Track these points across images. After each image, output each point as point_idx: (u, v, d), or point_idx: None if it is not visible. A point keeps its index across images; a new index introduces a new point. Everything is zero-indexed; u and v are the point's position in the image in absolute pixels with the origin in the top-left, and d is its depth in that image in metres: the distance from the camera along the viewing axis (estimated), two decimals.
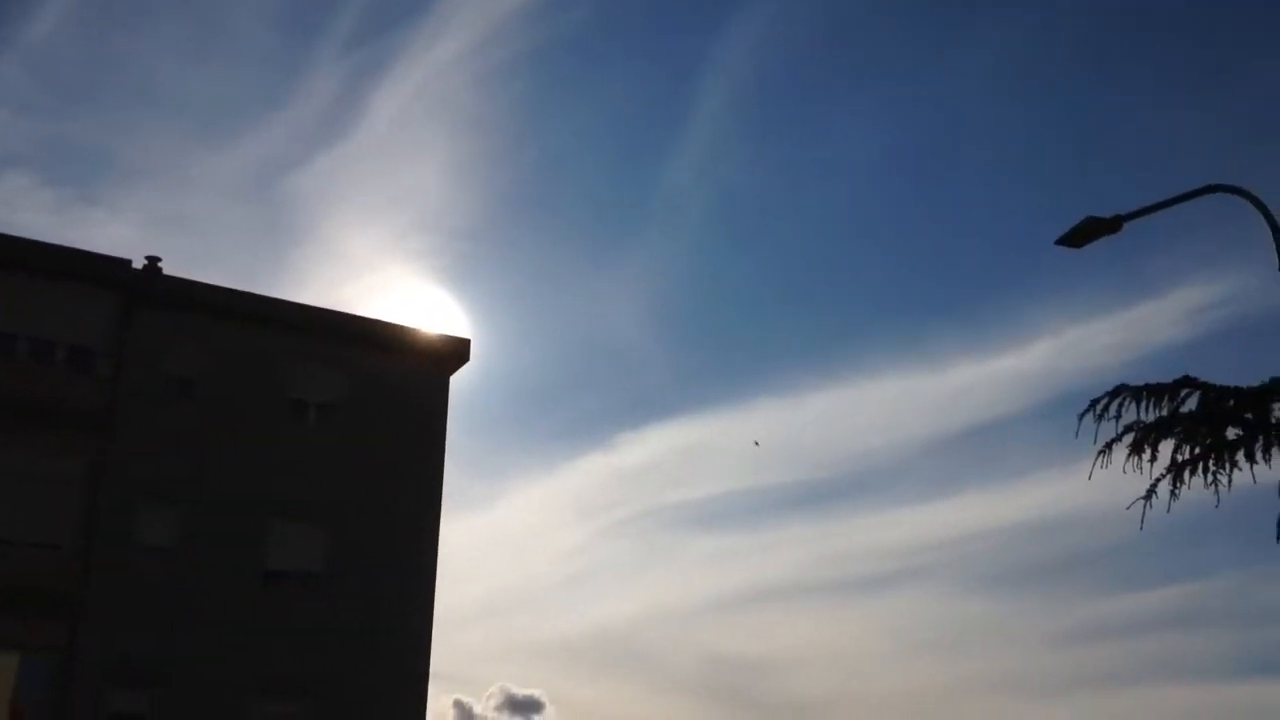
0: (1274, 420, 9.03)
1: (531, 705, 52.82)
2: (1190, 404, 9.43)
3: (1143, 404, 9.53)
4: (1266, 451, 9.10)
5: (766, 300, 79.43)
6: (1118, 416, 9.66)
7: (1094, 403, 9.71)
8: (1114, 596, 62.01)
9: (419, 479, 27.00)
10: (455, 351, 28.28)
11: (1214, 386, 9.19)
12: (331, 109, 70.51)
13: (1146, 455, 9.46)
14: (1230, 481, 9.20)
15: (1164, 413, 9.43)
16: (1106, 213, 13.27)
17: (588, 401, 76.70)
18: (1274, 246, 11.21)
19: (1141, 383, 9.46)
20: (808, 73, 76.03)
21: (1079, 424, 9.74)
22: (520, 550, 69.65)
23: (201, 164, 69.49)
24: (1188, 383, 9.24)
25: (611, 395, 76.44)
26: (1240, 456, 9.09)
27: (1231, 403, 9.12)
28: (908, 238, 76.16)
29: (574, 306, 76.93)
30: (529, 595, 65.16)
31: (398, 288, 66.18)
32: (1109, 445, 9.71)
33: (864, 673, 60.77)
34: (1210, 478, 9.32)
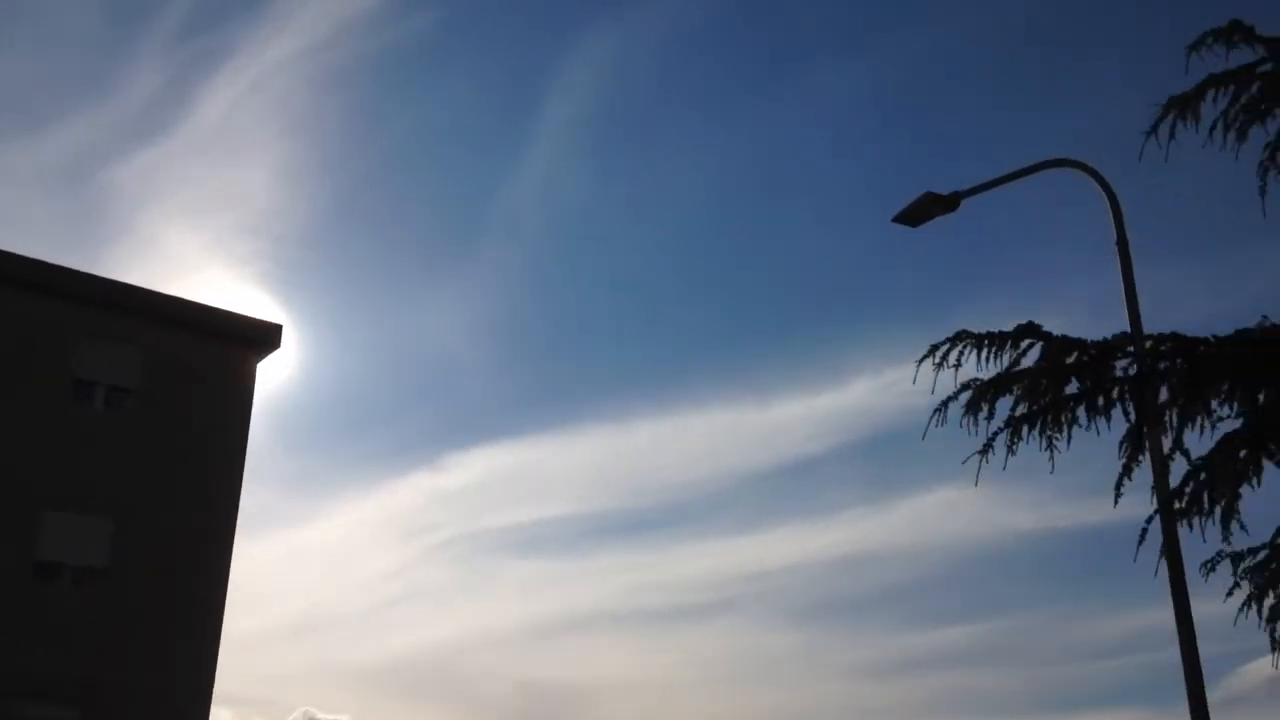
0: (1116, 376, 8.61)
1: None
2: (1033, 355, 8.95)
3: (983, 353, 9.02)
4: (1107, 410, 8.67)
5: (600, 325, 79.17)
6: (957, 365, 9.13)
7: (934, 348, 9.16)
8: (917, 631, 63.69)
9: (218, 472, 25.06)
10: (264, 336, 26.52)
11: (1056, 338, 8.73)
12: (157, 102, 66.99)
13: (984, 412, 8.93)
14: (1069, 440, 8.74)
15: (1004, 364, 8.93)
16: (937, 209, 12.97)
17: (415, 419, 74.72)
18: (1111, 220, 11.03)
19: (983, 330, 8.95)
20: (650, 99, 76.39)
21: (916, 370, 9.18)
22: (335, 570, 67.23)
23: (6, 152, 65.07)
24: (1030, 331, 8.77)
25: (440, 413, 74.68)
26: (1081, 412, 8.63)
27: (1074, 356, 8.67)
28: (738, 271, 77.11)
29: (404, 321, 74.94)
30: (341, 617, 62.96)
31: (219, 291, 63.19)
32: (945, 404, 9.17)
33: (675, 701, 60.92)
34: (1045, 440, 8.85)
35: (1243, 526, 8.55)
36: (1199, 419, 8.36)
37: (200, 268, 63.50)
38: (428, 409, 75.57)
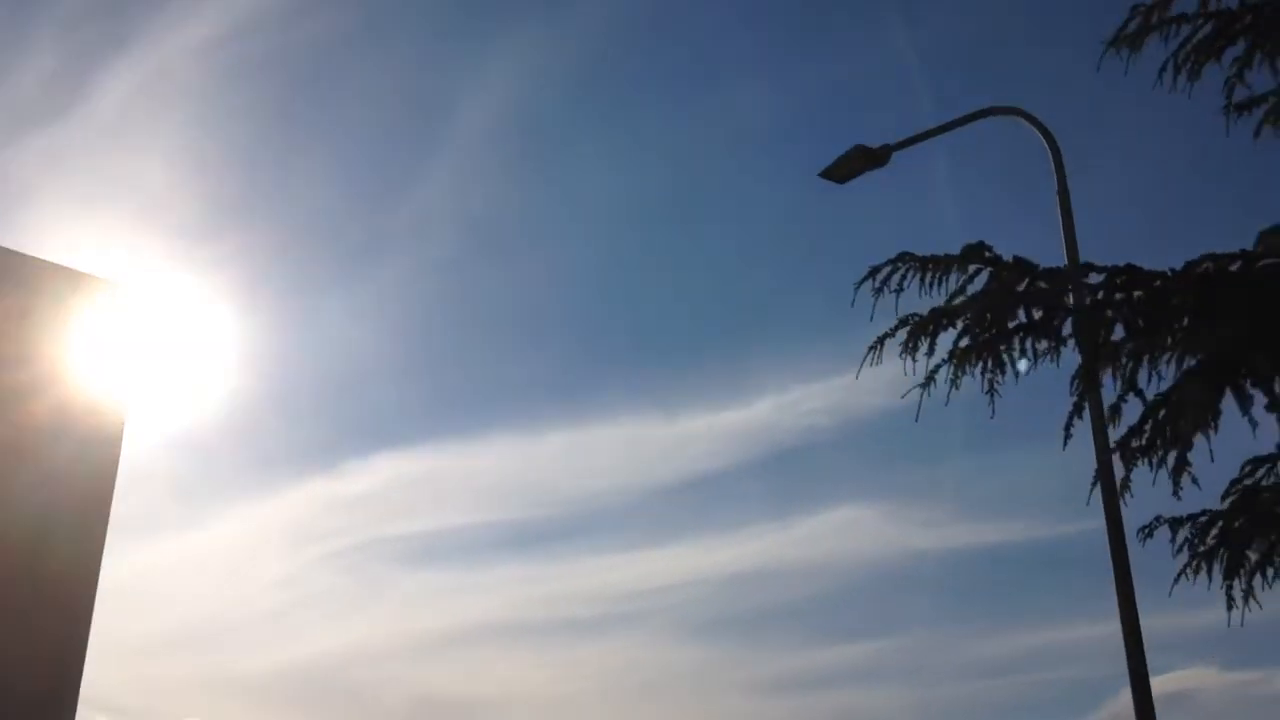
0: (1068, 306, 7.90)
1: None
2: (980, 283, 8.20)
3: (926, 278, 8.24)
4: (1055, 344, 7.96)
5: (509, 334, 77.93)
6: (898, 290, 8.34)
7: (874, 270, 8.36)
8: (815, 649, 63.84)
9: (90, 463, 23.39)
10: (105, 295, 24.88)
11: (1006, 261, 7.99)
12: (49, 87, 64.00)
13: (924, 349, 8.16)
14: (1017, 375, 8.01)
15: (949, 291, 8.16)
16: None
17: (314, 424, 72.39)
18: (1053, 169, 10.43)
19: (927, 252, 8.16)
20: (567, 107, 75.49)
21: (855, 294, 8.38)
22: (226, 577, 64.76)
23: None
24: (978, 253, 8.01)
25: (341, 419, 72.60)
26: (1028, 345, 7.90)
27: (1025, 283, 7.94)
28: (650, 285, 76.60)
29: (306, 324, 72.78)
30: (230, 625, 60.60)
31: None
32: (880, 341, 8.38)
33: (571, 716, 60.03)
34: (986, 381, 8.11)
35: (1194, 480, 7.93)
36: (1154, 358, 7.72)
37: (89, 257, 60.86)
38: (328, 414, 73.62)
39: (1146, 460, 7.60)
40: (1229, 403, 7.79)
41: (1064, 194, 9.98)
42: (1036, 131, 10.46)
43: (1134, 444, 7.61)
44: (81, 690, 22.11)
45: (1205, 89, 9.33)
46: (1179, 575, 9.35)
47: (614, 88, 75.08)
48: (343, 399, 73.42)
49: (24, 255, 23.28)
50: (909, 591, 65.44)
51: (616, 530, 70.34)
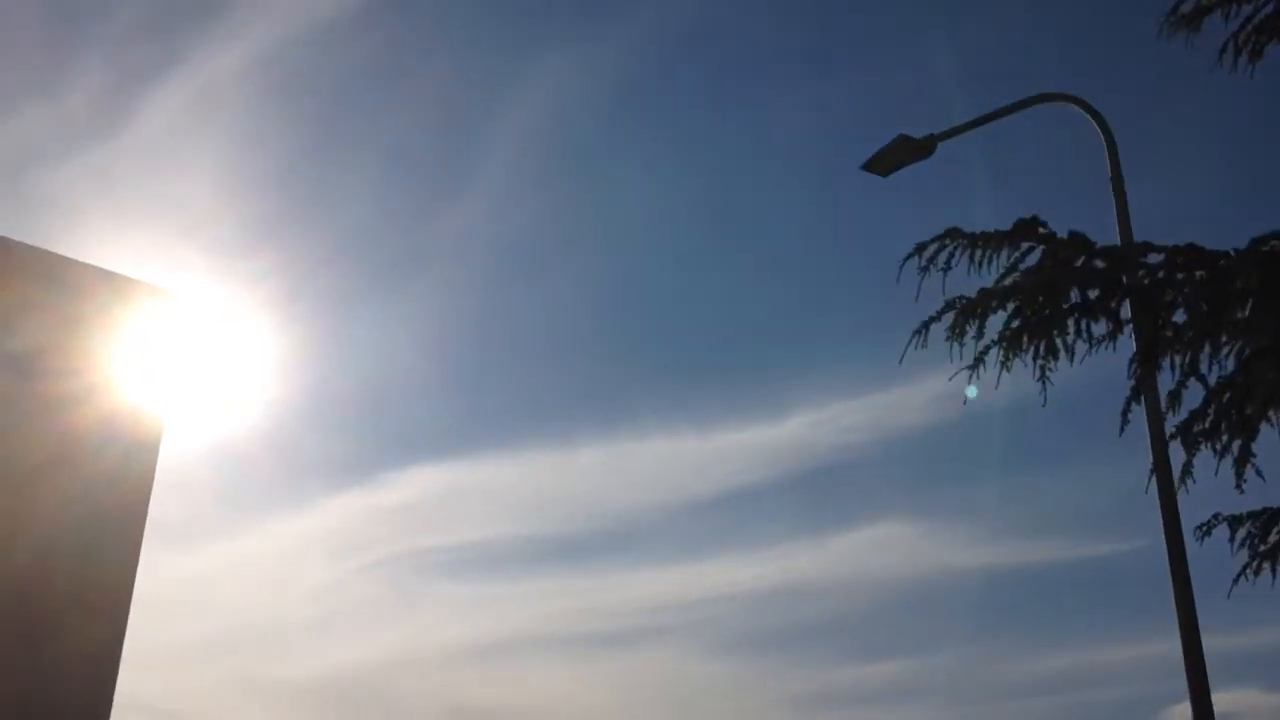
0: (1126, 285, 7.53)
1: None
2: (1032, 262, 7.84)
3: (976, 255, 7.89)
4: (1114, 327, 7.59)
5: (544, 349, 78.28)
6: (945, 269, 8.00)
7: (920, 247, 8.02)
8: (848, 665, 63.42)
9: (130, 471, 23.39)
10: (166, 304, 24.95)
11: (1061, 238, 7.63)
12: (99, 104, 65.09)
13: (972, 332, 7.81)
14: (1072, 358, 7.64)
15: (999, 271, 7.81)
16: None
17: (351, 436, 73.04)
18: (1106, 157, 10.06)
19: (976, 229, 7.83)
20: (602, 125, 75.70)
21: (900, 271, 8.05)
22: (263, 585, 65.41)
23: None
24: (1030, 229, 7.65)
25: (377, 432, 73.23)
26: (1084, 325, 7.53)
27: (1082, 260, 7.58)
28: (684, 301, 76.53)
29: (344, 338, 73.43)
30: (268, 633, 61.17)
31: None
32: (926, 325, 8.04)
33: None
34: (1038, 367, 7.75)
35: (1259, 473, 7.52)
36: (1216, 343, 7.34)
37: (134, 271, 61.54)
38: (365, 427, 74.25)
39: (1210, 445, 7.21)
40: None
41: (1118, 179, 9.58)
42: (1088, 116, 10.09)
43: (1196, 428, 7.23)
44: (118, 695, 22.06)
45: (1269, 68, 8.97)
46: (1238, 576, 8.95)
47: (651, 101, 75.13)
48: (379, 412, 73.87)
49: (69, 259, 23.40)
50: (946, 610, 64.77)
51: (650, 545, 70.30)
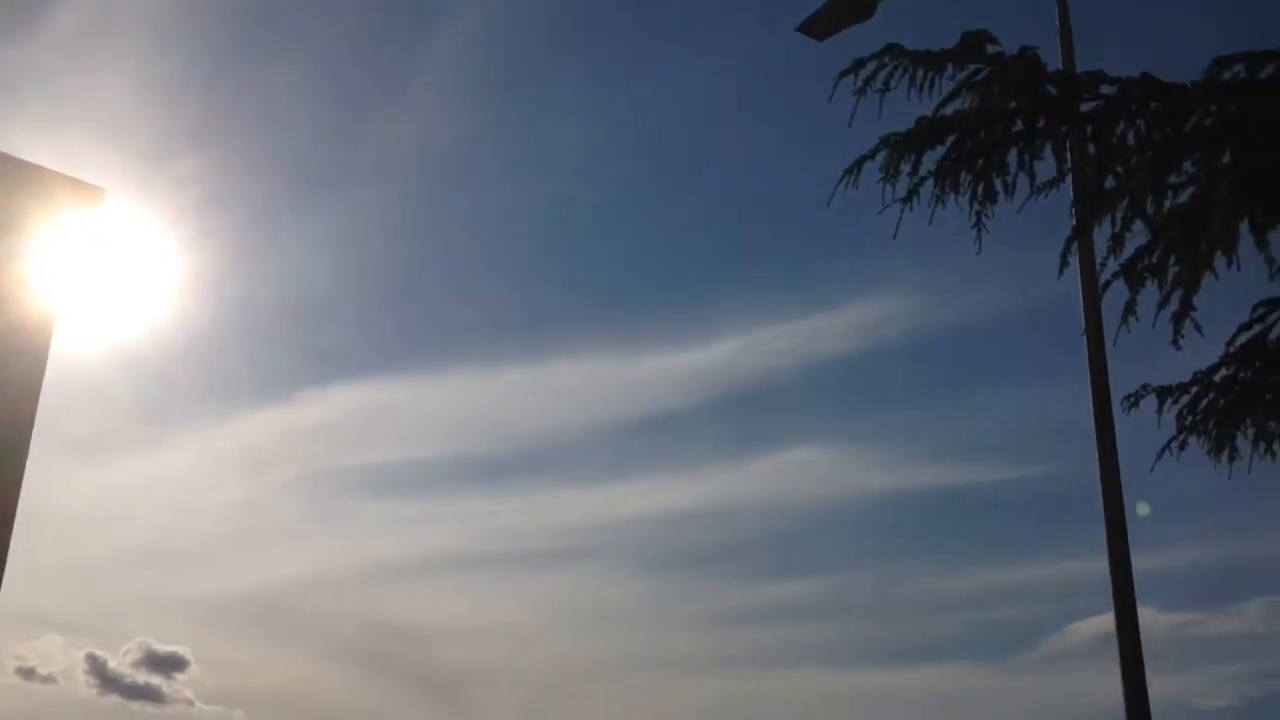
0: (1080, 113, 6.93)
1: (174, 662, 49.13)
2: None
3: (917, 77, 7.26)
4: (1060, 167, 7.03)
5: (472, 269, 77.29)
6: (883, 90, 7.36)
7: (858, 63, 7.36)
8: (768, 584, 64.96)
9: (17, 373, 22.16)
10: (85, 202, 23.58)
11: (1011, 59, 7.00)
12: (8, 3, 61.92)
13: (907, 169, 7.19)
14: (1011, 192, 7.08)
15: (944, 95, 7.17)
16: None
17: (273, 352, 71.50)
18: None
19: (920, 48, 7.17)
20: (536, 43, 74.00)
21: (834, 88, 7.40)
22: (180, 501, 64.48)
23: None
24: (976, 46, 7.00)
25: (299, 349, 71.88)
26: (1027, 161, 6.96)
27: (1028, 85, 6.96)
28: (616, 223, 75.85)
29: (268, 252, 71.57)
30: (184, 549, 60.42)
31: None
32: (858, 165, 7.39)
33: (527, 647, 60.74)
34: (974, 208, 7.17)
35: (1198, 328, 7.07)
36: (1163, 186, 6.82)
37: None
38: (287, 343, 72.94)
39: (1156, 281, 6.71)
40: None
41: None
42: None
43: (1141, 265, 6.72)
44: (33, 608, 21.09)
45: None
46: (1163, 450, 8.65)
47: (588, 20, 73.64)
48: (302, 328, 72.41)
49: None
50: (862, 531, 66.06)
51: (575, 466, 70.38)
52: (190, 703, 48.07)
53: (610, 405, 69.58)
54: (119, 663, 47.96)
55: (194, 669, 49.10)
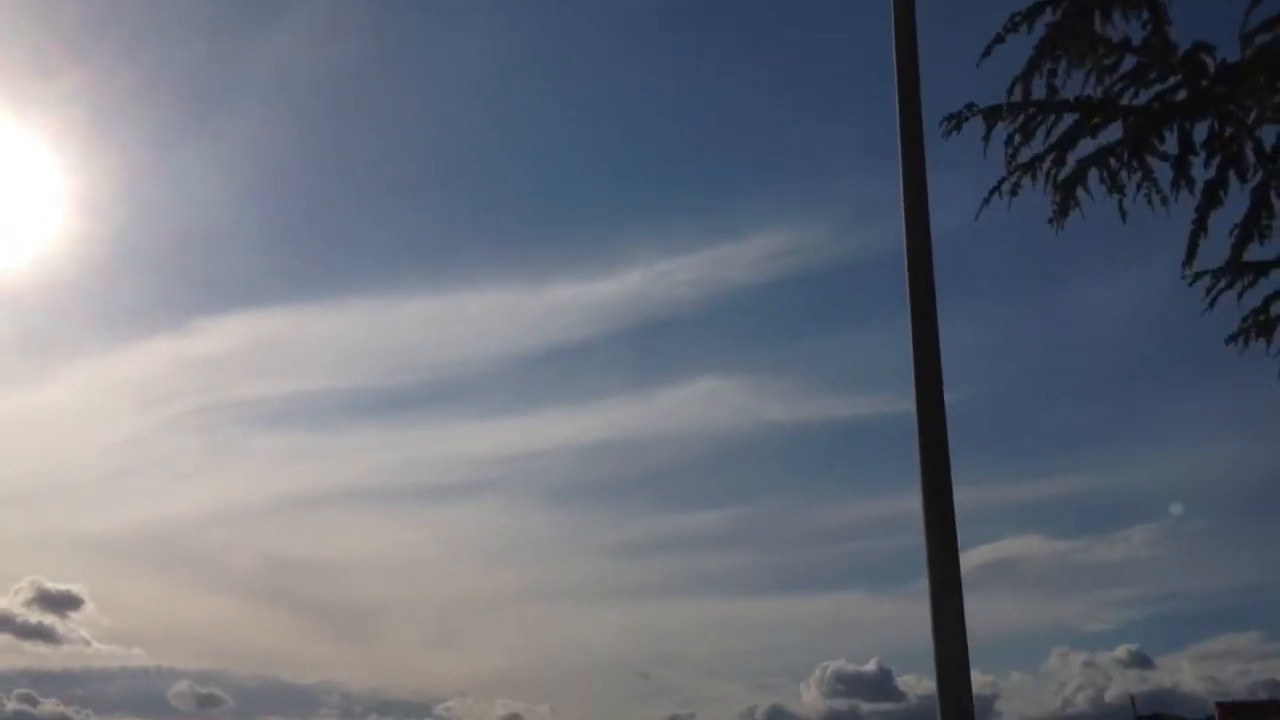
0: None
1: (68, 601, 48.25)
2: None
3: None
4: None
5: (372, 195, 75.18)
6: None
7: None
8: (672, 515, 66.26)
9: None
10: None
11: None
12: None
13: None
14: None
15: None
16: None
17: (163, 281, 69.18)
18: None
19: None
20: None
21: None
22: (67, 435, 62.38)
23: None
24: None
25: (192, 277, 69.40)
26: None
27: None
28: (520, 150, 74.72)
29: (156, 174, 68.79)
30: (74, 485, 59.02)
31: None
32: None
33: (427, 579, 61.10)
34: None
35: None
36: None
37: None
38: (177, 270, 70.21)
39: None
40: None
41: None
42: None
43: None
44: None
45: None
46: (988, 196, 8.88)
47: None
48: (194, 255, 69.94)
49: None
50: (763, 462, 68.08)
51: (479, 398, 70.50)
52: (86, 642, 47.12)
53: (515, 336, 69.27)
54: (9, 602, 46.85)
55: (89, 608, 48.01)
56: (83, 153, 62.50)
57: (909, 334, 7.42)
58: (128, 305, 66.79)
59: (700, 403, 65.55)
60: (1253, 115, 8.24)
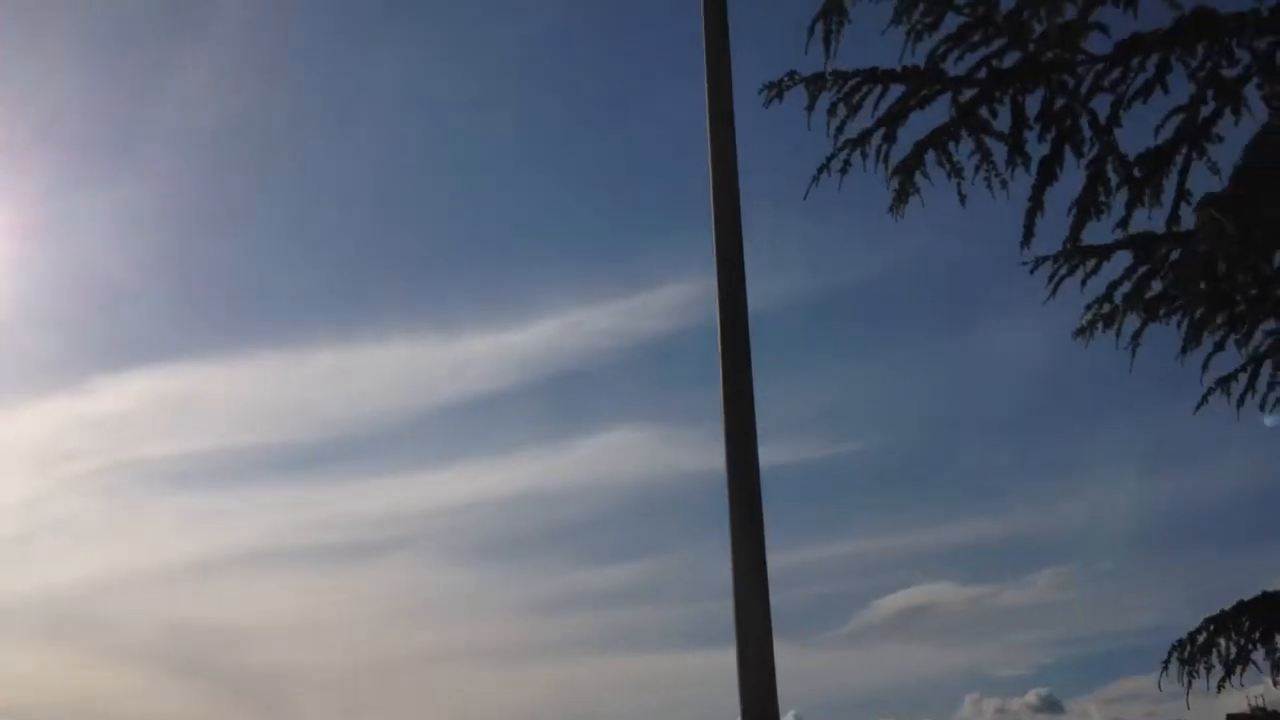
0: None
1: None
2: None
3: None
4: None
5: (275, 245, 73.25)
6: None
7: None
8: (587, 569, 65.27)
9: None
10: None
11: None
12: None
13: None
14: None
15: None
16: None
17: (59, 338, 66.21)
18: None
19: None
20: (340, 5, 71.60)
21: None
22: None
23: None
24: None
25: (89, 334, 67.08)
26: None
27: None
28: (428, 197, 73.43)
29: (50, 228, 66.64)
30: None
31: None
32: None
33: (339, 643, 59.07)
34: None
35: None
36: None
37: None
38: (74, 328, 67.80)
39: None
40: None
41: None
42: None
43: None
44: None
45: None
46: (817, 175, 8.26)
47: None
48: (90, 311, 67.62)
49: None
50: (679, 512, 66.61)
51: (388, 453, 68.49)
52: None
53: (425, 389, 68.12)
54: None
55: None
56: None
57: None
58: (23, 364, 64.77)
59: (615, 454, 65.01)
60: (1086, 85, 7.78)
